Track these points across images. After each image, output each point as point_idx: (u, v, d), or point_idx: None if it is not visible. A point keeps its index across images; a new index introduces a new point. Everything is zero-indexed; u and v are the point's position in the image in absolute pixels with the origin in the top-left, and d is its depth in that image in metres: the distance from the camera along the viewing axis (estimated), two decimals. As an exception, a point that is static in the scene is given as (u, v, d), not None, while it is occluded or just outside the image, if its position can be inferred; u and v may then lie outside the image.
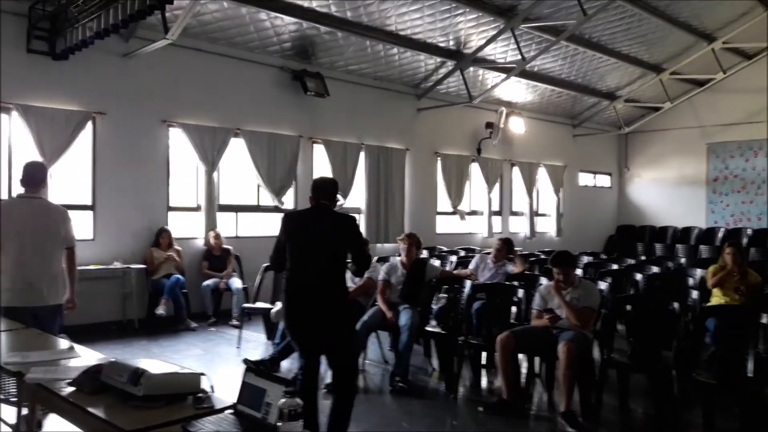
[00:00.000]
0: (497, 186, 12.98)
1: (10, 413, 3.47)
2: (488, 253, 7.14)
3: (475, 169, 12.57)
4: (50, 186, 4.56)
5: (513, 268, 6.76)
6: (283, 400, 1.95)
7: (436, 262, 7.24)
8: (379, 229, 10.64)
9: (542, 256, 8.59)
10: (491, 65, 11.03)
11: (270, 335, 6.97)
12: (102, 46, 7.18)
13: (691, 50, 12.69)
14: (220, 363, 6.36)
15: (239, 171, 9.25)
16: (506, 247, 6.96)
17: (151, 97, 8.18)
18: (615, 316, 5.26)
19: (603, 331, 5.04)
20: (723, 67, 13.06)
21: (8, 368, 2.75)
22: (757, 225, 13.73)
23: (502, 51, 10.75)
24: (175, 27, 6.90)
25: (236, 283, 8.25)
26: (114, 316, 7.82)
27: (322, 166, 10.00)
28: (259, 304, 7.10)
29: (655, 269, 7.56)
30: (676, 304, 4.75)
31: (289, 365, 5.80)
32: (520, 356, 5.21)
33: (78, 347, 3.13)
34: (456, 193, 11.99)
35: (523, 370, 5.41)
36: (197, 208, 8.77)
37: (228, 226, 9.11)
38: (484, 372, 5.88)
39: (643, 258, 10.07)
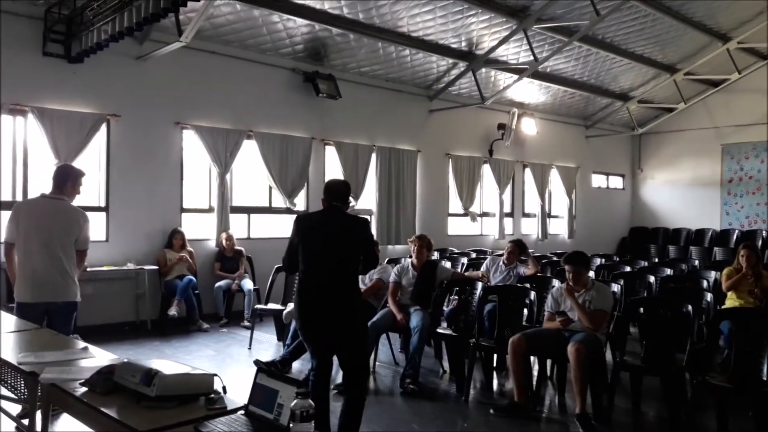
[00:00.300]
0: (509, 187, 12.95)
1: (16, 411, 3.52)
2: (500, 255, 7.13)
3: (486, 170, 12.54)
4: (82, 192, 4.59)
5: (525, 270, 6.73)
6: (295, 401, 1.96)
7: (447, 264, 7.23)
8: (390, 230, 10.65)
9: (554, 258, 8.56)
10: (503, 66, 10.99)
11: (281, 336, 6.99)
12: (116, 49, 7.24)
13: (705, 50, 12.57)
14: (231, 364, 6.38)
15: (251, 173, 9.28)
16: (518, 249, 6.95)
17: (164, 99, 8.24)
18: (628, 318, 5.22)
19: (616, 333, 5.01)
20: (738, 68, 12.90)
21: (23, 368, 2.78)
22: (772, 227, 13.58)
23: (515, 52, 10.72)
24: (189, 29, 6.97)
25: (248, 284, 8.28)
26: (127, 316, 7.89)
27: (333, 167, 10.02)
28: (271, 306, 7.14)
29: (668, 271, 7.51)
30: (689, 307, 4.71)
31: (300, 366, 5.81)
32: (532, 359, 5.19)
33: (91, 348, 3.16)
34: (467, 195, 11.96)
35: (535, 372, 5.39)
36: (210, 210, 8.82)
37: (240, 227, 9.15)
38: (495, 374, 5.87)
39: (656, 260, 10.00)
